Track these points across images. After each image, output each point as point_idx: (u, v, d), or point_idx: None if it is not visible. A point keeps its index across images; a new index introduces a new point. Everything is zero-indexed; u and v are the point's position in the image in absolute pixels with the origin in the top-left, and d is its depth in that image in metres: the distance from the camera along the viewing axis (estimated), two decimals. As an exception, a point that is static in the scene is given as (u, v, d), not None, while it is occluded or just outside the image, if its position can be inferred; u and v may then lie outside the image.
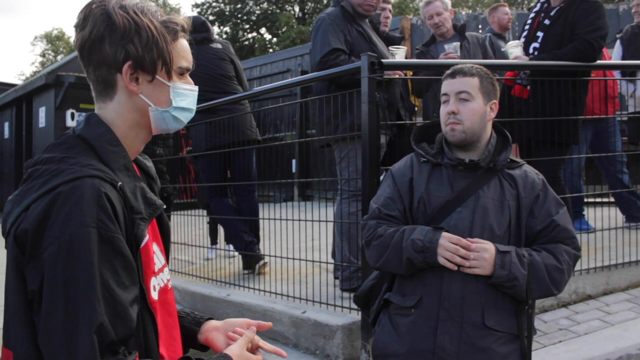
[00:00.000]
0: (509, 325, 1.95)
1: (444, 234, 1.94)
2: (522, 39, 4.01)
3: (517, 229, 2.01)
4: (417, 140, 2.22)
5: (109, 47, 1.20)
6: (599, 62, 3.95)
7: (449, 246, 1.92)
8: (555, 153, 3.75)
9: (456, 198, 2.01)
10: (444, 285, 1.94)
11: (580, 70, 3.79)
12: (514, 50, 3.81)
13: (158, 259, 1.28)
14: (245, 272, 4.43)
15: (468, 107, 2.05)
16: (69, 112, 11.69)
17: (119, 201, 1.14)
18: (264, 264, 4.39)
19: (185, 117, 1.32)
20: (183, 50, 1.29)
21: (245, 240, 4.45)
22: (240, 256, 4.58)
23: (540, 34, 3.85)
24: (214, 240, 5.70)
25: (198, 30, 4.65)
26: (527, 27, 4.02)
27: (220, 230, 5.44)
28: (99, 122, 1.25)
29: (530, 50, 3.87)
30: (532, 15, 4.03)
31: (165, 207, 1.34)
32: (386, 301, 2.10)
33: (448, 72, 2.13)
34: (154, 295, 1.24)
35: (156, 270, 1.26)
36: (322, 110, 3.61)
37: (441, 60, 4.06)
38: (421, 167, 2.12)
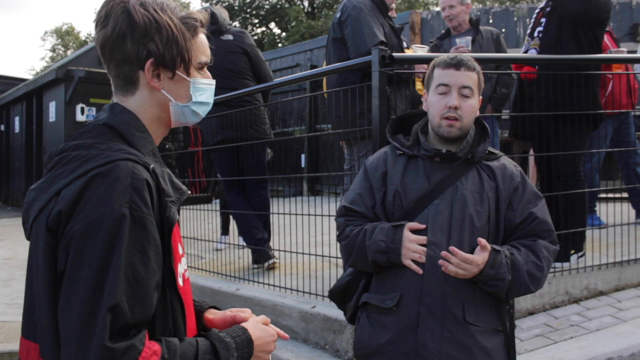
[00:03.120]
0: (489, 320, 1.93)
1: (407, 234, 1.91)
2: (529, 30, 4.04)
3: (495, 222, 1.97)
4: (393, 132, 2.16)
5: (131, 45, 1.22)
6: (616, 55, 3.92)
7: (417, 248, 1.91)
8: (574, 141, 3.70)
9: (433, 190, 1.97)
10: (424, 281, 1.90)
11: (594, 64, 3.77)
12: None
13: (180, 247, 1.30)
14: (255, 266, 4.43)
15: (469, 104, 1.98)
16: (79, 107, 11.72)
17: (152, 183, 1.16)
18: (273, 263, 4.36)
19: (203, 111, 1.36)
20: (202, 46, 1.32)
21: (256, 236, 4.44)
22: (250, 250, 4.58)
23: (543, 19, 3.92)
24: (225, 230, 5.72)
25: (210, 23, 4.58)
26: (534, 16, 4.06)
27: (233, 224, 5.47)
28: (123, 110, 1.26)
29: (536, 34, 3.92)
30: (537, 10, 4.06)
31: (189, 193, 1.35)
32: (365, 302, 2.05)
33: (449, 61, 2.01)
34: (180, 281, 1.25)
35: (180, 256, 1.28)
36: (354, 104, 3.44)
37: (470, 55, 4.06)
38: (396, 160, 2.05)
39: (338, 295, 2.19)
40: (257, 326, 1.34)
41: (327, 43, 3.98)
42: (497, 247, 1.89)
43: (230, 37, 4.66)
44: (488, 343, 1.91)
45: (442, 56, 2.08)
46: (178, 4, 1.30)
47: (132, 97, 1.27)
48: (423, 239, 1.92)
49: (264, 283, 3.92)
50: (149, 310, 1.11)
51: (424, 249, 1.91)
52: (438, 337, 1.88)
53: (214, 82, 1.37)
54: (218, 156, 4.71)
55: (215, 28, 4.63)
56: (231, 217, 5.49)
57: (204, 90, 1.33)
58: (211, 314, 1.46)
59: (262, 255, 4.40)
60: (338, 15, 3.72)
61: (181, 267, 1.28)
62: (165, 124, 1.33)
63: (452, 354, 1.87)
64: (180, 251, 1.30)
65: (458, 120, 1.98)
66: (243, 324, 1.33)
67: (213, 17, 4.63)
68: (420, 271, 1.90)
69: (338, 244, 2.17)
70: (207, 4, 27.45)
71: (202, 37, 1.31)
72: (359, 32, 3.54)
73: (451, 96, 1.98)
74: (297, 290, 3.61)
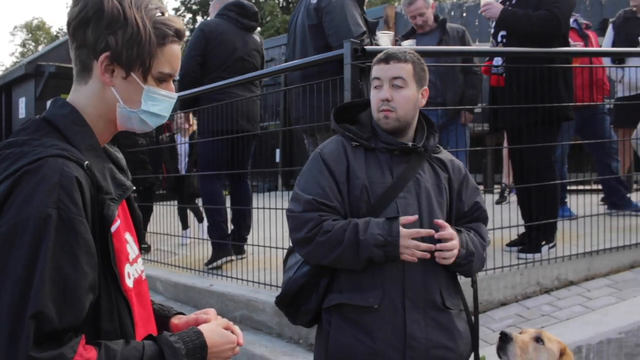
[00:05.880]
0: (458, 302, 2.02)
1: (402, 230, 1.89)
2: (492, 29, 4.05)
3: (449, 210, 2.06)
4: (338, 121, 2.14)
5: (92, 33, 1.17)
6: (584, 48, 3.96)
7: (410, 243, 1.89)
8: (546, 133, 3.74)
9: (397, 183, 1.99)
10: (406, 274, 1.92)
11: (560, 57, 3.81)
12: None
13: (132, 248, 1.25)
14: (209, 266, 4.34)
15: (402, 95, 2.01)
16: (49, 103, 11.51)
17: (86, 181, 1.11)
18: (230, 260, 4.32)
19: (154, 123, 1.29)
20: (170, 56, 1.24)
21: (221, 231, 4.40)
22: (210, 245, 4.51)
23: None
24: (185, 224, 5.70)
25: (251, 19, 4.64)
26: None
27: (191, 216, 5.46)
28: (64, 104, 1.23)
29: (499, 39, 3.93)
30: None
31: (134, 190, 1.31)
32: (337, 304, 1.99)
33: (381, 56, 2.06)
34: (129, 282, 1.20)
35: (130, 259, 1.23)
36: (326, 96, 3.37)
37: (421, 47, 4.07)
38: (355, 153, 2.03)
39: (289, 299, 2.10)
40: (215, 330, 1.28)
41: (293, 29, 3.87)
42: (458, 228, 2.00)
43: (257, 38, 4.74)
44: (460, 325, 2.00)
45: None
46: (162, 5, 1.24)
47: (85, 85, 1.23)
48: (416, 231, 1.91)
49: (237, 278, 3.90)
50: (80, 314, 1.06)
51: (418, 243, 1.89)
52: (423, 325, 1.92)
53: (175, 95, 1.29)
54: (216, 146, 4.51)
55: (255, 25, 4.72)
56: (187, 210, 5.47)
57: (159, 101, 1.25)
58: (177, 319, 1.42)
59: (220, 251, 4.36)
60: (315, 0, 3.62)
61: (132, 269, 1.23)
62: (113, 123, 1.26)
63: (437, 339, 1.93)
64: (134, 253, 1.26)
65: (392, 112, 2.01)
66: (200, 327, 1.27)
67: (256, 15, 4.72)
68: (416, 260, 1.90)
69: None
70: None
71: (173, 48, 1.24)
72: (342, 21, 3.49)
73: (382, 89, 2.03)
74: (271, 285, 3.59)
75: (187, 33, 1.31)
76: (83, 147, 1.17)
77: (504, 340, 1.95)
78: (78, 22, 1.18)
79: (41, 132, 1.16)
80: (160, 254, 4.97)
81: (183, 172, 5.77)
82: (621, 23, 5.34)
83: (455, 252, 1.92)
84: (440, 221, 1.94)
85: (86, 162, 1.13)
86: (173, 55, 1.25)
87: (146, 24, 1.19)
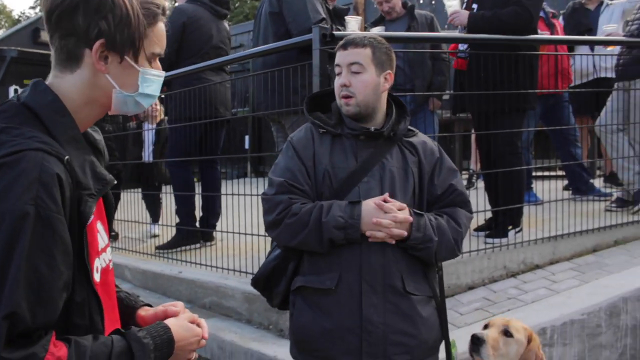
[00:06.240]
0: (424, 289, 2.00)
1: (364, 206, 1.90)
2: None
3: (420, 195, 2.05)
4: (310, 110, 2.15)
5: (83, 19, 1.12)
6: (539, 36, 4.02)
7: (384, 222, 1.88)
8: (512, 119, 3.78)
9: (361, 168, 1.99)
10: (362, 258, 1.92)
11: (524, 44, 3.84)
12: (452, 2, 3.82)
13: (102, 238, 1.22)
14: (162, 251, 4.36)
15: (360, 79, 2.01)
16: (11, 89, 11.20)
17: (65, 176, 1.07)
18: (195, 248, 4.36)
19: (147, 103, 1.27)
20: (159, 36, 1.22)
21: (192, 219, 4.40)
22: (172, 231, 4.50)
23: (475, 5, 3.90)
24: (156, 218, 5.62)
25: (224, 7, 4.62)
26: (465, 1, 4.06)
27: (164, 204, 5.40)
28: (46, 89, 1.16)
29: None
30: None
31: (115, 182, 1.28)
32: (300, 286, 2.02)
33: (340, 42, 2.08)
34: (96, 277, 1.18)
35: (99, 250, 1.21)
36: (288, 81, 3.45)
37: (389, 33, 4.07)
38: (322, 139, 2.05)
39: (263, 282, 2.14)
40: (182, 325, 1.28)
41: (259, 17, 3.92)
42: (418, 211, 1.96)
43: (227, 26, 4.74)
44: (425, 312, 1.98)
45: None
46: None
47: (71, 74, 1.17)
48: (382, 197, 1.92)
49: (206, 265, 3.87)
50: (54, 313, 1.04)
51: (389, 222, 1.88)
52: (382, 310, 1.91)
53: (163, 74, 1.28)
54: (189, 133, 4.45)
55: (227, 13, 4.72)
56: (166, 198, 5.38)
57: (152, 81, 1.24)
58: (144, 311, 1.40)
59: (184, 238, 4.37)
60: None
61: (100, 262, 1.21)
62: (103, 107, 1.23)
63: (397, 325, 1.92)
64: (104, 242, 1.23)
65: (352, 97, 2.01)
66: (167, 322, 1.26)
67: (227, 4, 4.70)
68: (385, 238, 1.89)
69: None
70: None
71: (160, 27, 1.22)
72: (302, 9, 3.52)
73: (342, 75, 2.04)
74: (240, 271, 3.57)
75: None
76: (63, 139, 1.13)
77: (476, 342, 1.96)
78: (63, 10, 1.12)
79: (20, 118, 1.11)
80: (128, 241, 4.91)
81: (146, 160, 5.64)
82: (570, 14, 5.57)
83: (396, 231, 1.89)
84: (392, 200, 1.92)
85: (66, 157, 1.09)
86: (161, 35, 1.24)
87: (134, 4, 1.15)
